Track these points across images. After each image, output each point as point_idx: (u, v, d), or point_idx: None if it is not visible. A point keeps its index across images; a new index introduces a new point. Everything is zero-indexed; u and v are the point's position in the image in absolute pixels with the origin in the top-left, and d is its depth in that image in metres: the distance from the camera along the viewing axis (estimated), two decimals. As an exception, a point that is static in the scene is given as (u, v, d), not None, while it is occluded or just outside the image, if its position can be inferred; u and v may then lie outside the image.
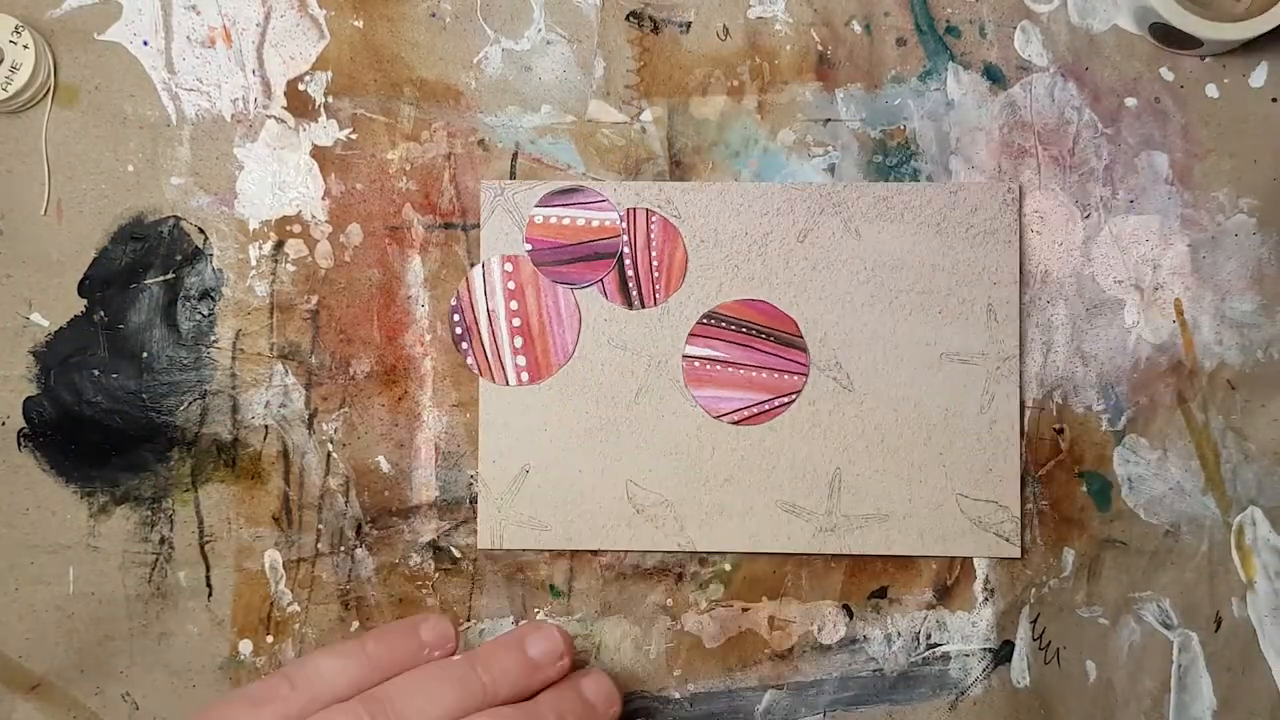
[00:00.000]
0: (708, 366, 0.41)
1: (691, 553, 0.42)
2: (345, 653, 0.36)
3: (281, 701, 0.34)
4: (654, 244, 0.41)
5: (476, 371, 0.41)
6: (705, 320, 0.41)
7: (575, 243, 0.42)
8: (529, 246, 0.42)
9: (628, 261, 0.41)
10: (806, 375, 0.41)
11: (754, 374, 0.41)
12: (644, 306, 0.41)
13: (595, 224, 0.42)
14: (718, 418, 0.41)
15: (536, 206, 0.42)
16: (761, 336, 0.41)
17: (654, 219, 0.41)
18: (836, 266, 0.42)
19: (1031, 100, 0.42)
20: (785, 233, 0.42)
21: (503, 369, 0.41)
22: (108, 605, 0.42)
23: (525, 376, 0.41)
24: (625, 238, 0.41)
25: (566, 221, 0.42)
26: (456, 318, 0.41)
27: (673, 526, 0.42)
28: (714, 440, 0.42)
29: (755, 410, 0.41)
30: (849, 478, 0.41)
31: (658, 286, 0.41)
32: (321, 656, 0.36)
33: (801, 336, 0.41)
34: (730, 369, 0.42)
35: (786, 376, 0.41)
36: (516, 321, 0.41)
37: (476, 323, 0.41)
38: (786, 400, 0.41)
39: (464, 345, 0.41)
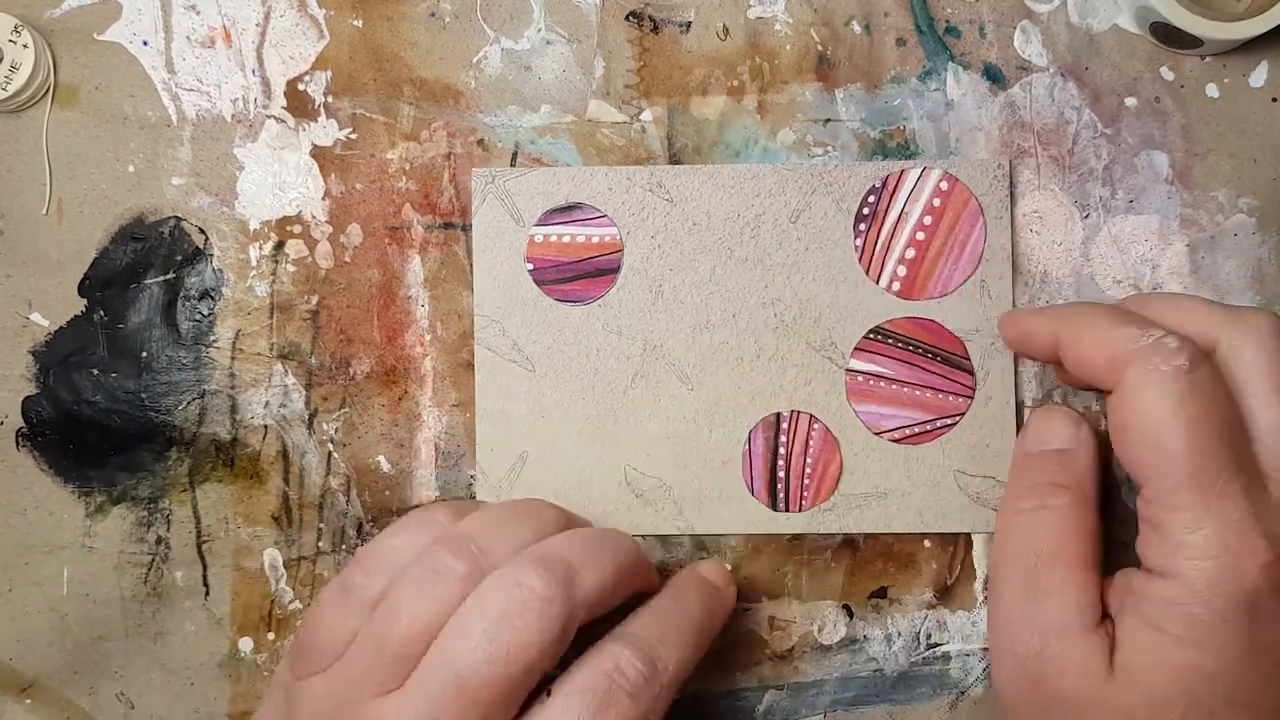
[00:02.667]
0: (871, 382, 0.41)
1: (696, 538, 0.42)
2: (410, 526, 0.37)
3: (360, 589, 0.35)
4: (811, 451, 0.41)
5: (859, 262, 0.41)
6: (872, 335, 0.41)
7: (576, 260, 0.42)
8: (530, 266, 0.42)
9: (780, 462, 0.41)
10: (972, 398, 0.41)
11: (918, 393, 0.41)
12: (787, 510, 0.41)
13: (595, 240, 0.42)
14: (878, 434, 0.41)
15: (535, 226, 0.42)
16: (928, 356, 0.41)
17: (816, 425, 0.41)
18: (829, 246, 0.42)
19: (1031, 100, 0.42)
20: (778, 214, 0.42)
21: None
22: (103, 606, 0.42)
23: (897, 286, 0.41)
24: (784, 439, 0.42)
25: (566, 239, 0.42)
26: (872, 198, 0.41)
27: (671, 510, 0.42)
28: (711, 423, 0.42)
29: (917, 430, 0.41)
30: (847, 456, 0.41)
31: (806, 494, 0.42)
32: (389, 536, 0.37)
33: (969, 359, 0.41)
34: (895, 386, 0.41)
35: (950, 398, 0.41)
36: (920, 235, 0.41)
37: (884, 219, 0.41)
38: (950, 422, 0.41)
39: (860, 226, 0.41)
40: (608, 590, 0.35)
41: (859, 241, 0.41)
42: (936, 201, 0.41)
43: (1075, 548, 0.35)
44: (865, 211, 0.41)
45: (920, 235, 0.41)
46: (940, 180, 0.41)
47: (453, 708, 0.32)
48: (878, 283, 0.41)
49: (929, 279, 0.42)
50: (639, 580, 0.38)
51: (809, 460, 0.42)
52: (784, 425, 0.42)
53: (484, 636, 0.33)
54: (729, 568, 0.41)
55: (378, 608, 0.35)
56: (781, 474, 0.42)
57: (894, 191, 0.41)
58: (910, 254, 0.41)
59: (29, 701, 0.42)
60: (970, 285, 0.41)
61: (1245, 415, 0.34)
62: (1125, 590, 0.34)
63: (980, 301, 0.42)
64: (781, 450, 0.42)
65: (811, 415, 0.42)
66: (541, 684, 0.34)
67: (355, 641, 0.35)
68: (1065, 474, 0.37)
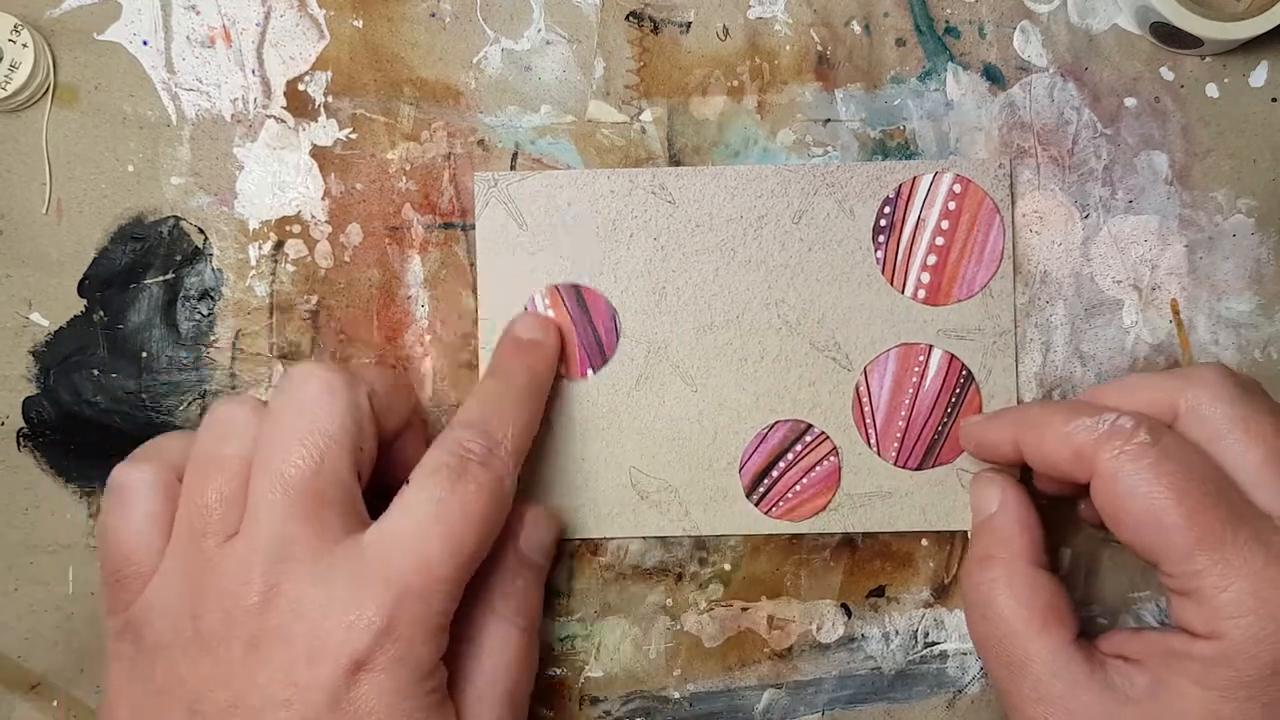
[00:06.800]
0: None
1: (696, 538, 0.42)
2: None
3: (137, 484, 0.36)
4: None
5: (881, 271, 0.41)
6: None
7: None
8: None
9: (781, 464, 0.42)
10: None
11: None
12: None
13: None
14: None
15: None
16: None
17: (820, 432, 0.42)
18: (832, 246, 0.42)
19: (1031, 100, 0.42)
20: (780, 214, 0.42)
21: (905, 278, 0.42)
22: (108, 605, 0.42)
23: (923, 294, 0.42)
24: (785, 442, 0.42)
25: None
26: (888, 210, 0.41)
27: (677, 512, 0.42)
28: (716, 425, 0.42)
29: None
30: (850, 457, 0.42)
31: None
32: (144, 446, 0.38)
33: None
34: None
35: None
36: (940, 240, 0.41)
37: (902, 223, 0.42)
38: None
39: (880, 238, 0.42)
40: (387, 390, 0.37)
41: (880, 254, 0.41)
42: (952, 205, 0.41)
43: (1027, 613, 0.35)
44: (883, 223, 0.41)
45: (940, 240, 0.42)
46: (954, 183, 0.41)
47: (294, 516, 0.34)
48: (903, 292, 0.42)
49: (953, 283, 0.42)
50: (411, 402, 0.40)
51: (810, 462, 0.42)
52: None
53: (285, 436, 0.35)
54: (548, 314, 0.42)
55: (182, 484, 0.36)
56: (778, 474, 0.42)
57: (909, 200, 0.41)
58: (932, 260, 0.42)
59: (37, 699, 0.42)
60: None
61: (1228, 467, 0.33)
62: (1165, 652, 0.33)
63: (982, 300, 0.42)
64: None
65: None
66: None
67: (174, 524, 0.35)
68: (993, 544, 0.37)
